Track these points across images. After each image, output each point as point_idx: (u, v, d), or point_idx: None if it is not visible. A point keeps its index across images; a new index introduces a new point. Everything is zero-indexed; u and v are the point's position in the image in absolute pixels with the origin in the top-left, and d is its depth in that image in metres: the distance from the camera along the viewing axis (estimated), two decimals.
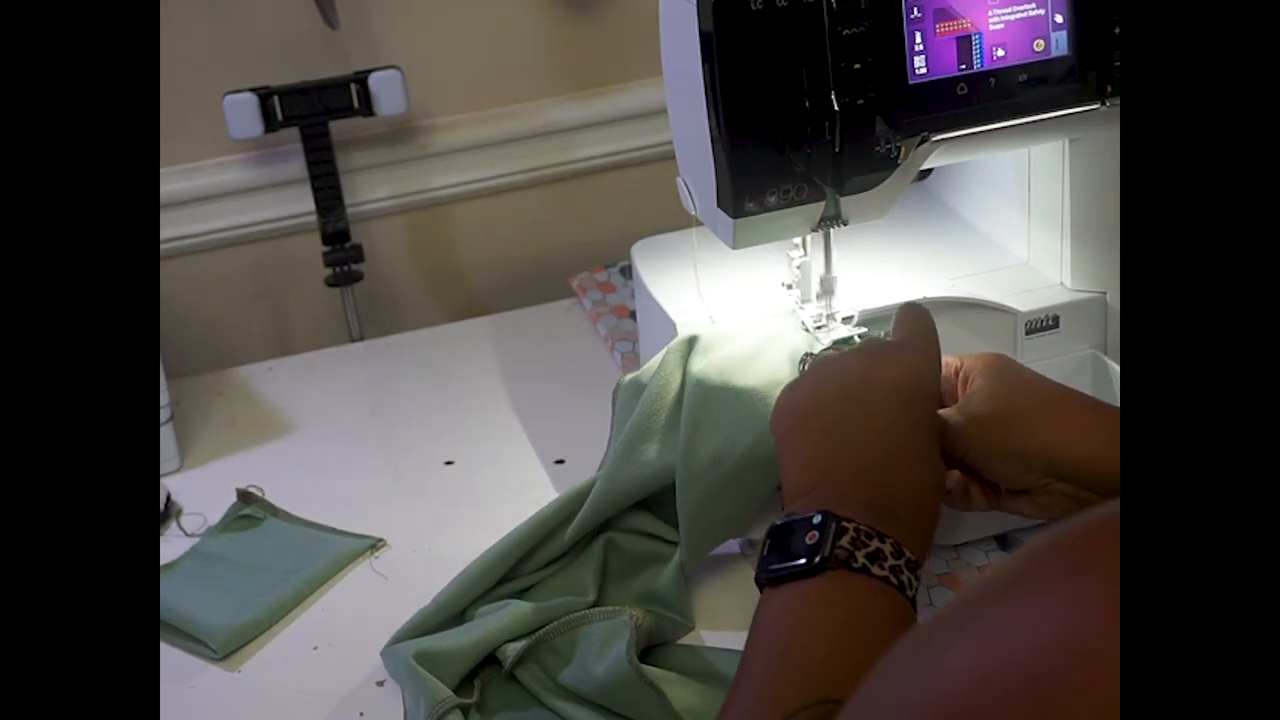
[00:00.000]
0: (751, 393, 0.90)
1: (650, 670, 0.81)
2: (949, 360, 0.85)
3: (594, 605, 0.89)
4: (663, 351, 0.95)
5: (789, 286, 0.97)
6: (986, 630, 0.43)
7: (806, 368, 0.89)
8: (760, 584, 0.73)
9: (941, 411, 0.82)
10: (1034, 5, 0.87)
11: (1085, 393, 0.85)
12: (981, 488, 0.84)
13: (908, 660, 0.46)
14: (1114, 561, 0.40)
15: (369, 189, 1.37)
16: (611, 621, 0.85)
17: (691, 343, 0.94)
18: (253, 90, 1.25)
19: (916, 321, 0.83)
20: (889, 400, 0.77)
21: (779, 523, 0.73)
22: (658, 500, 0.93)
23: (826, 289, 0.94)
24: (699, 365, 0.92)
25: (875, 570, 0.69)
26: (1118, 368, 0.96)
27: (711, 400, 0.91)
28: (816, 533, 0.70)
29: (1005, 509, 0.84)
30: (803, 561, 0.70)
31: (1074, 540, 0.43)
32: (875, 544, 0.70)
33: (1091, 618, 0.40)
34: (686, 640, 0.89)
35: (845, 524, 0.70)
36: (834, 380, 0.79)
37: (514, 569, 0.91)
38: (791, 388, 0.82)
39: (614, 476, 0.92)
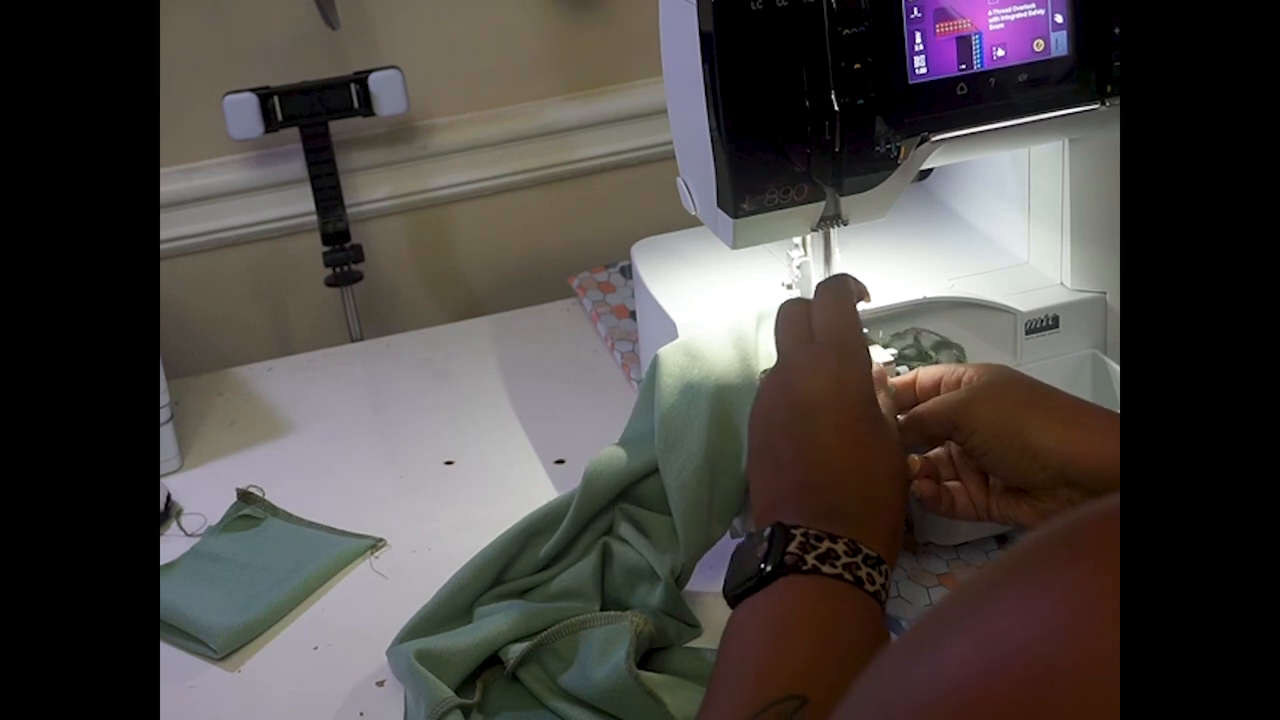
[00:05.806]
0: (725, 388, 0.90)
1: (650, 677, 0.81)
2: (954, 369, 0.86)
3: (597, 609, 0.89)
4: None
5: (789, 286, 0.97)
6: (982, 624, 0.43)
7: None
8: (729, 603, 0.74)
9: (949, 394, 0.83)
10: (1034, 5, 0.87)
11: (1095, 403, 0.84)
12: (969, 492, 0.84)
13: (902, 657, 0.46)
14: (1108, 553, 0.41)
15: (369, 189, 1.37)
16: (613, 626, 0.85)
17: (661, 358, 0.95)
18: (253, 90, 1.25)
19: (833, 308, 0.83)
20: (811, 410, 0.78)
21: (739, 543, 0.75)
22: (648, 497, 0.93)
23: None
24: (675, 365, 0.93)
25: (826, 569, 0.70)
26: (1118, 368, 0.96)
27: (690, 397, 0.91)
28: (767, 544, 0.72)
29: (997, 516, 0.83)
30: (755, 573, 0.71)
31: (1068, 534, 0.43)
32: (826, 545, 0.71)
33: (1087, 609, 0.40)
34: (691, 643, 0.88)
35: (793, 531, 0.72)
36: (763, 401, 0.81)
37: (513, 568, 0.91)
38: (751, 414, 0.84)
39: (591, 478, 0.92)
